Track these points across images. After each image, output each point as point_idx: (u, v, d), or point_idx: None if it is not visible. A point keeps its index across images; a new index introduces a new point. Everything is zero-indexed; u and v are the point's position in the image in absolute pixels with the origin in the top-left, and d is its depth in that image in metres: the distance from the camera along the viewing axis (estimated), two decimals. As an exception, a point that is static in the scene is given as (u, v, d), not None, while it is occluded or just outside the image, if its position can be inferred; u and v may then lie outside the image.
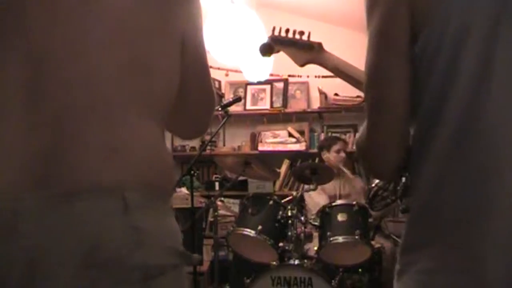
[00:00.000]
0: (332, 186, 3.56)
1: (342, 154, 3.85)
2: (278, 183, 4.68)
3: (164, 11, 0.89)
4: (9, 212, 0.71)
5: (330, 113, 4.70)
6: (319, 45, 1.69)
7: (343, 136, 4.52)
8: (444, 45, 0.78)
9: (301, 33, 1.66)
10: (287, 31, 1.68)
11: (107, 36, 0.81)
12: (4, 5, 0.79)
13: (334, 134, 4.59)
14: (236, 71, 4.28)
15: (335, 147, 3.85)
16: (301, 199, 3.43)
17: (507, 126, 0.75)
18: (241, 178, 3.72)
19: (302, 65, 1.67)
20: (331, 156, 3.83)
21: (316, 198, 3.62)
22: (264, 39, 1.71)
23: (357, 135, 0.95)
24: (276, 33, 1.66)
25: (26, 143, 0.74)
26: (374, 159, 0.95)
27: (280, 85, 4.81)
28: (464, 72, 0.77)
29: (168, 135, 1.02)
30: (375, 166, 0.98)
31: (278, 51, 1.70)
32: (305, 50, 1.65)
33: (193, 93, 1.00)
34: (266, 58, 1.78)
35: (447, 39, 0.78)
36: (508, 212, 0.73)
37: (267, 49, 1.65)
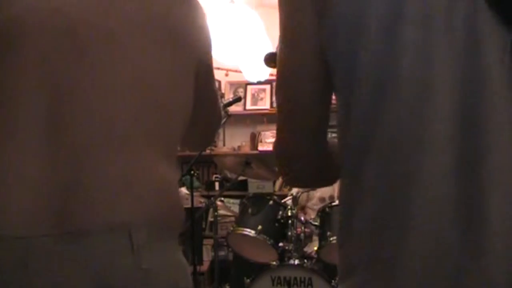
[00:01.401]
0: (330, 187, 3.56)
1: None
2: (278, 183, 4.68)
3: (182, 51, 0.92)
4: (22, 250, 0.73)
5: (330, 113, 4.68)
6: None
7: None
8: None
9: None
10: None
11: (130, 79, 0.84)
12: (31, 39, 0.81)
13: (334, 134, 4.58)
14: (236, 71, 4.28)
15: None
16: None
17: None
18: (241, 178, 3.72)
19: None
20: None
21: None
22: (265, 40, 1.69)
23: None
24: None
25: (45, 177, 0.76)
26: (290, 159, 0.87)
27: (280, 85, 4.81)
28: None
29: None
30: (293, 168, 0.87)
31: None
32: None
33: (204, 116, 1.06)
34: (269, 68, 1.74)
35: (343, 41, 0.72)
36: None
37: (272, 59, 1.61)
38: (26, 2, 0.83)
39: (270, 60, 1.62)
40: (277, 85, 0.82)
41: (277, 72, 0.81)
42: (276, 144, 0.85)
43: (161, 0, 0.92)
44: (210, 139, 1.19)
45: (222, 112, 3.28)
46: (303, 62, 0.77)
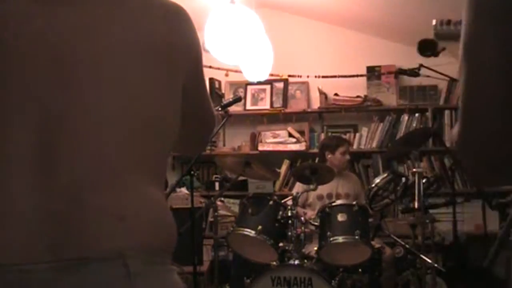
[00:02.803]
0: (328, 185, 3.55)
1: (347, 157, 3.83)
2: (278, 183, 4.68)
3: (170, 69, 0.91)
4: (15, 278, 0.73)
5: (330, 113, 4.70)
6: None
7: (343, 137, 4.53)
8: None
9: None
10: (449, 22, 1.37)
11: (117, 106, 0.83)
12: (16, 66, 0.81)
13: (334, 134, 4.59)
14: (236, 71, 4.28)
15: (341, 149, 3.81)
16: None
17: None
18: (241, 178, 3.72)
19: None
20: (335, 158, 3.80)
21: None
22: (265, 40, 1.65)
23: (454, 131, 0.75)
24: (439, 26, 1.37)
25: (37, 209, 0.76)
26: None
27: (280, 85, 4.81)
28: None
29: None
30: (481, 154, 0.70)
31: (443, 49, 1.44)
32: None
33: (195, 125, 1.06)
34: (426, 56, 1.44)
35: None
36: None
37: (428, 47, 1.40)
38: (7, 24, 0.81)
39: (427, 48, 1.44)
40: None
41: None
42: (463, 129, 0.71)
43: (146, 18, 0.90)
44: (204, 144, 1.19)
45: (221, 114, 3.28)
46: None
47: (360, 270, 3.02)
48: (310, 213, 3.74)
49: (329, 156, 3.84)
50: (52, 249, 0.75)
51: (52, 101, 0.80)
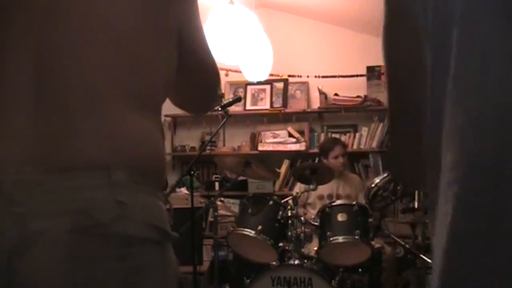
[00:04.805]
0: (328, 185, 3.56)
1: (340, 160, 3.83)
2: (278, 183, 4.68)
3: (160, 9, 0.95)
4: (10, 183, 0.80)
5: (330, 113, 4.70)
6: None
7: (343, 137, 4.52)
8: None
9: None
10: None
11: (106, 39, 0.89)
12: (14, 3, 0.89)
13: (334, 135, 4.59)
14: (236, 71, 4.28)
15: (333, 153, 3.82)
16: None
17: None
18: (241, 178, 3.72)
19: None
20: (329, 162, 3.82)
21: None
22: (265, 40, 1.69)
23: None
24: None
25: (33, 129, 0.83)
26: None
27: (280, 85, 4.81)
28: None
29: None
30: None
31: None
32: None
33: (196, 72, 1.09)
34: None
35: None
36: None
37: None
38: None
39: None
40: None
41: None
42: None
43: None
44: (210, 100, 1.20)
45: (221, 114, 3.28)
46: None
47: (360, 270, 3.03)
48: (311, 213, 3.75)
49: (324, 161, 3.86)
50: (41, 159, 0.81)
51: (45, 37, 0.87)
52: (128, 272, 0.82)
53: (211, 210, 4.11)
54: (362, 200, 3.67)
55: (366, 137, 4.57)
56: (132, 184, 0.84)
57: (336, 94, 4.62)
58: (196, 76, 1.10)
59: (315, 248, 2.97)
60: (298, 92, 4.81)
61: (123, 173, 0.83)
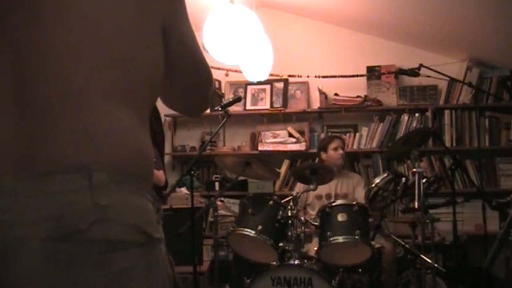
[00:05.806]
0: (327, 185, 3.56)
1: (340, 151, 3.86)
2: (278, 183, 4.68)
3: (143, 8, 0.94)
4: None
5: (330, 113, 4.70)
6: None
7: (343, 136, 4.53)
8: None
9: None
10: None
11: (85, 35, 0.87)
12: None
13: (334, 134, 4.59)
14: (236, 71, 4.28)
15: (332, 145, 3.87)
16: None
17: None
18: (241, 178, 3.72)
19: None
20: (329, 155, 3.85)
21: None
22: (265, 40, 1.69)
23: None
24: None
25: (13, 132, 0.83)
26: None
27: (280, 85, 4.81)
28: None
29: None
30: None
31: None
32: None
33: (186, 73, 1.06)
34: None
35: None
36: None
37: None
38: None
39: None
40: None
41: None
42: None
43: None
44: (203, 102, 1.15)
45: (221, 114, 3.26)
46: None
47: (360, 270, 3.03)
48: (310, 213, 3.75)
49: (324, 155, 3.88)
50: (22, 165, 0.80)
51: (24, 37, 0.86)
52: (111, 278, 0.80)
53: (211, 210, 4.11)
54: (360, 195, 3.68)
55: (366, 137, 4.57)
56: (114, 185, 0.82)
57: (336, 94, 4.62)
58: (186, 78, 1.07)
59: (315, 248, 2.97)
60: (298, 92, 4.81)
61: (104, 174, 0.82)
